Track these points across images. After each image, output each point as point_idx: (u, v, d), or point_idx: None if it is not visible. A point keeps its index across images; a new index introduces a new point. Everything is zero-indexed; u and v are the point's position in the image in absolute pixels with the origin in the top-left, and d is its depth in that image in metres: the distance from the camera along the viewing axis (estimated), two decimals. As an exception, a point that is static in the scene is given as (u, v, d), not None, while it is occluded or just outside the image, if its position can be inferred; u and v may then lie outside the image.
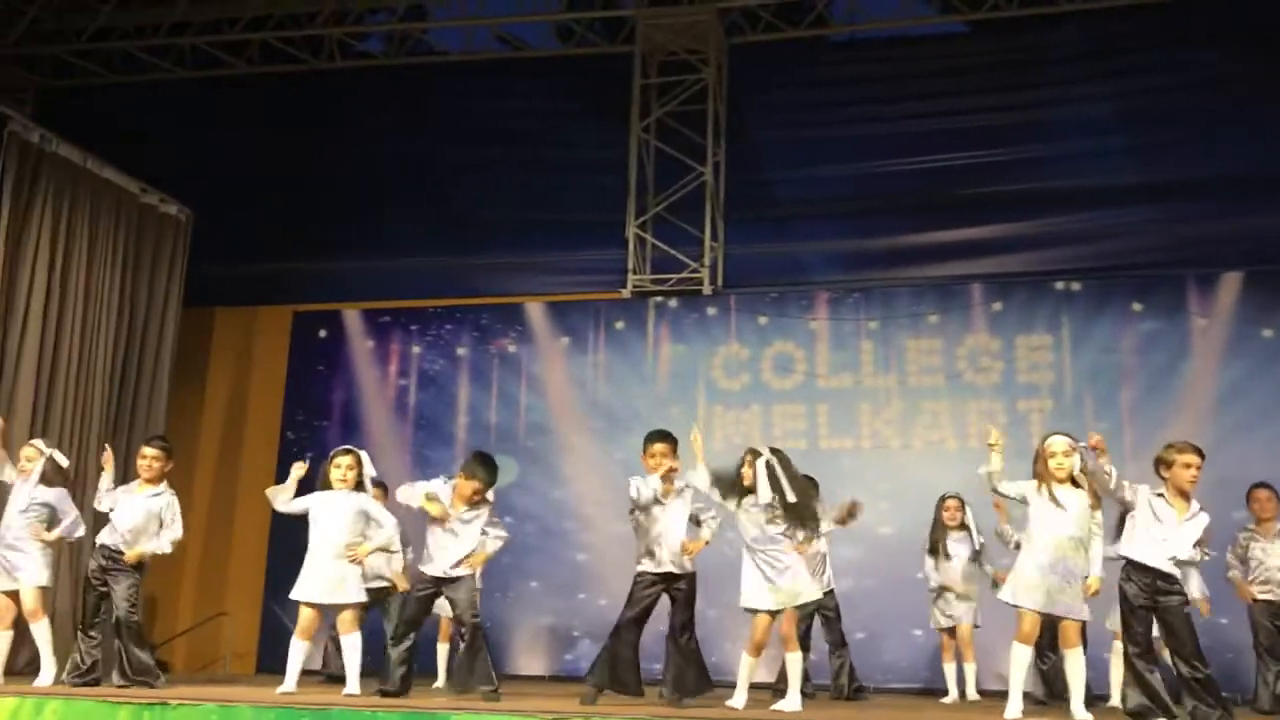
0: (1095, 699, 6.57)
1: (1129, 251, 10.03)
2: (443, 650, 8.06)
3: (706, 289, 10.60)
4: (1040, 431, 8.92)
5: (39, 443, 7.03)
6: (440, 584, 6.35)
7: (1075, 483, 5.56)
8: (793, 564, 5.94)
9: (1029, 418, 9.78)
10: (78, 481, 8.99)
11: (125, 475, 7.77)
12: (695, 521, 6.40)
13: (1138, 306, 9.82)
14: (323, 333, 11.32)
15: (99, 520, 7.13)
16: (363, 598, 6.41)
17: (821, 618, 7.78)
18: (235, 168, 11.42)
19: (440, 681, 7.98)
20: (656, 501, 6.26)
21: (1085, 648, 5.68)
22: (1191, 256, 9.86)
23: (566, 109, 11.33)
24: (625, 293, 10.75)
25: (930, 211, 10.47)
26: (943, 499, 7.75)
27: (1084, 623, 5.62)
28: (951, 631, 7.66)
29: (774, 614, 5.92)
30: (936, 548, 7.67)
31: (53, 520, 6.85)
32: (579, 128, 11.23)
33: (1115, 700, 7.12)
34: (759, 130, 11.08)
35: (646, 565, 6.26)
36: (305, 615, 6.23)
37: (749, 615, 5.97)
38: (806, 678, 7.65)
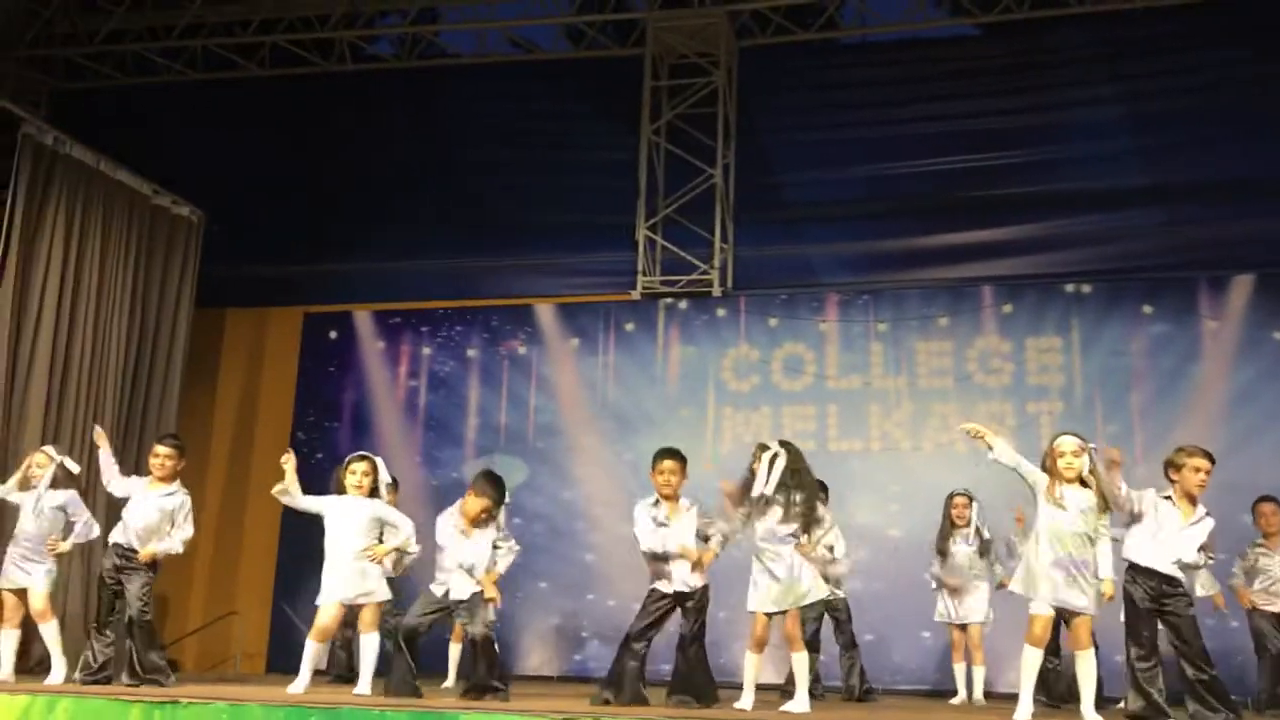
0: (1105, 701, 6.56)
1: (1139, 254, 10.01)
2: (455, 650, 8.08)
3: (716, 291, 10.61)
4: (1050, 434, 8.92)
5: (49, 449, 7.07)
6: (451, 603, 6.36)
7: (1083, 483, 5.55)
8: (797, 565, 5.94)
9: (1039, 420, 9.77)
10: (89, 481, 9.07)
11: (136, 475, 7.81)
12: (704, 538, 6.32)
13: (1148, 309, 9.80)
14: (333, 334, 11.36)
15: (111, 517, 7.17)
16: (388, 595, 6.42)
17: (832, 619, 7.79)
18: (247, 170, 11.47)
19: (450, 681, 8.00)
20: (661, 524, 6.22)
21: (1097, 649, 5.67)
22: (1202, 259, 9.84)
23: (577, 111, 11.36)
24: (635, 294, 10.76)
25: (940, 213, 10.47)
26: (951, 496, 7.77)
27: (1092, 621, 5.61)
28: (961, 629, 7.66)
29: (772, 614, 5.93)
30: (945, 545, 7.68)
31: (65, 524, 6.88)
32: (589, 130, 11.26)
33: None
34: (769, 132, 11.08)
35: (659, 585, 6.25)
36: (326, 617, 6.23)
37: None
38: (817, 679, 7.65)
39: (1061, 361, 9.88)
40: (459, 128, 11.48)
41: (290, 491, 6.37)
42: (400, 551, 6.81)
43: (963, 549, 7.66)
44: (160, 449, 6.76)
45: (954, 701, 7.73)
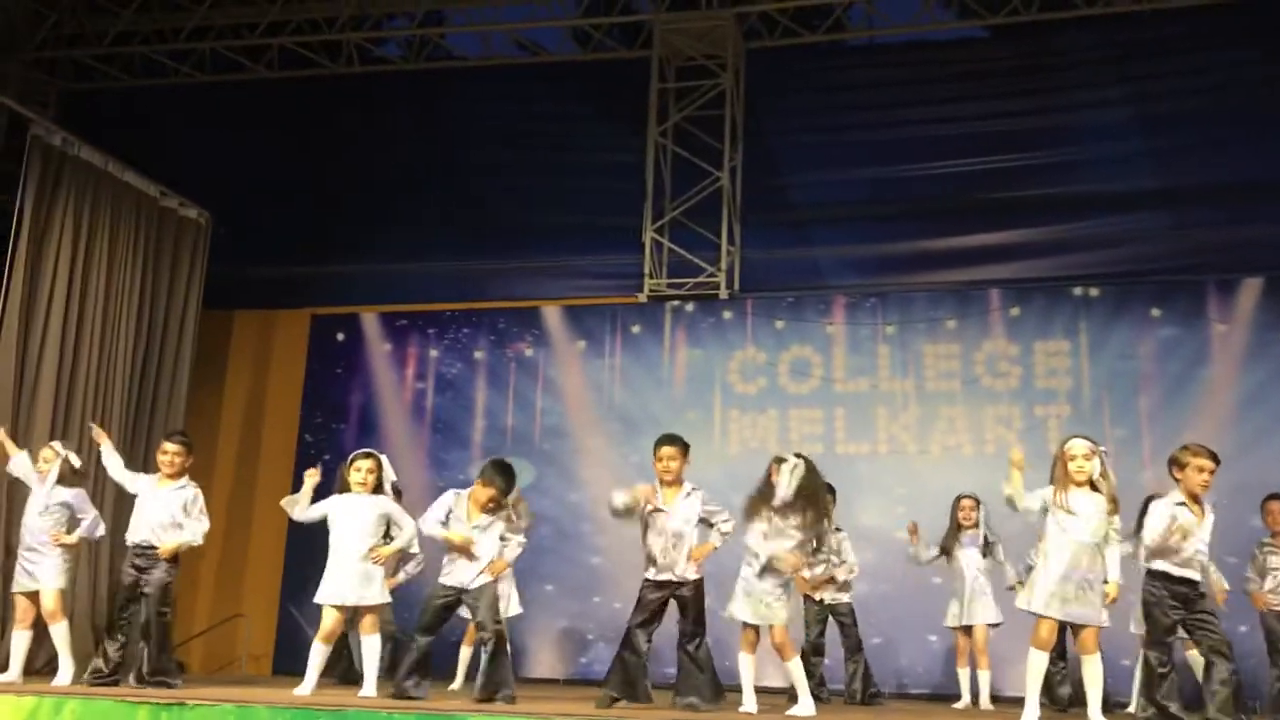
0: (1113, 705, 6.54)
1: (1148, 257, 9.99)
2: (465, 653, 8.08)
3: (723, 293, 10.60)
4: (1058, 437, 8.90)
5: (56, 444, 7.11)
6: (461, 594, 6.35)
7: (1093, 486, 5.52)
8: (787, 583, 5.93)
9: (1046, 423, 9.74)
10: (97, 481, 9.08)
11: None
12: (708, 524, 6.30)
13: (1156, 312, 9.77)
14: (340, 336, 11.36)
15: (118, 515, 7.18)
16: (387, 599, 6.42)
17: (837, 623, 7.78)
18: (254, 171, 11.49)
19: (457, 683, 7.99)
20: (657, 509, 6.19)
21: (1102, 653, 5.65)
22: (1211, 262, 9.81)
23: (584, 113, 11.36)
24: (642, 297, 10.76)
25: (948, 216, 10.45)
26: (958, 499, 7.76)
27: (1100, 628, 5.59)
28: (967, 632, 7.64)
29: (753, 626, 5.94)
30: (951, 548, 7.68)
31: (71, 520, 6.90)
32: (596, 132, 11.27)
33: (1134, 705, 7.08)
34: (776, 135, 11.08)
35: (649, 572, 6.23)
36: (330, 618, 6.24)
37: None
38: (822, 683, 7.65)
39: (1069, 365, 9.85)
40: (465, 130, 11.49)
41: (300, 503, 6.36)
42: (403, 553, 6.81)
43: (968, 551, 7.65)
44: (169, 446, 6.77)
45: (958, 706, 7.71)
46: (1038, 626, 5.51)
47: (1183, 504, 5.51)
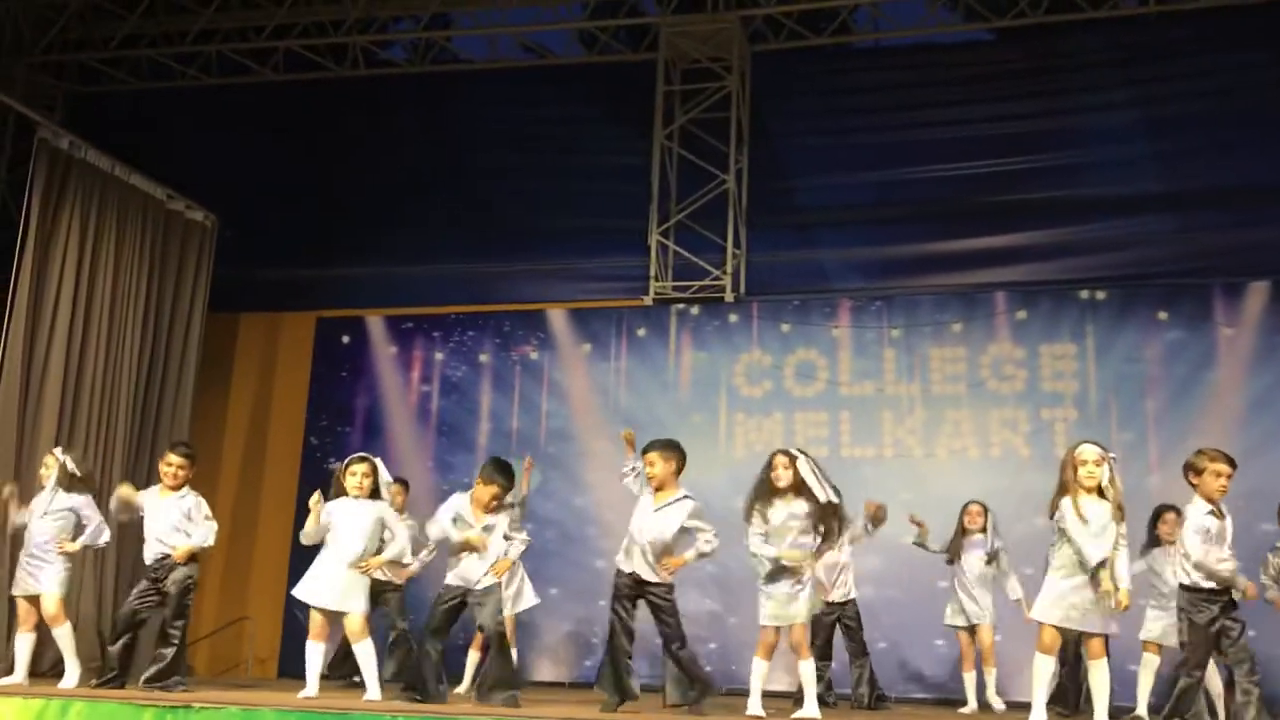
0: (1118, 710, 6.52)
1: (1154, 260, 9.97)
2: (473, 657, 8.08)
3: (729, 296, 10.59)
4: (1064, 441, 8.91)
5: (56, 451, 7.15)
6: (466, 594, 6.35)
7: (1100, 493, 5.50)
8: (810, 582, 5.92)
9: (1053, 427, 9.73)
10: (103, 484, 9.09)
11: (148, 480, 7.83)
12: (688, 531, 6.22)
13: (1163, 315, 9.74)
14: (346, 338, 11.36)
15: (124, 534, 7.17)
16: (365, 609, 6.37)
17: (842, 626, 7.76)
18: (260, 174, 11.50)
19: (464, 686, 7.99)
20: (650, 511, 6.19)
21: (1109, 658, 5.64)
22: (1218, 265, 9.79)
23: (589, 116, 11.36)
24: (647, 300, 10.75)
25: (954, 219, 10.44)
26: (966, 505, 7.75)
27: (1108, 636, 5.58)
28: (970, 634, 7.63)
29: (773, 629, 5.93)
30: (957, 553, 7.67)
31: (77, 527, 6.91)
32: (602, 135, 11.27)
33: (1141, 710, 7.06)
34: (782, 137, 11.07)
35: (621, 561, 6.23)
36: (315, 618, 6.26)
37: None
38: (829, 686, 7.64)
39: (1076, 368, 9.83)
40: (471, 133, 11.50)
41: (315, 534, 6.35)
42: (396, 563, 6.80)
43: (972, 556, 7.64)
44: (173, 458, 6.77)
45: (963, 711, 7.69)
46: (1042, 631, 5.49)
47: (1212, 512, 5.48)
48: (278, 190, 11.50)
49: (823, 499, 5.87)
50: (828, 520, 5.97)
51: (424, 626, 6.47)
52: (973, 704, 7.69)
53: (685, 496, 6.21)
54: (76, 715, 5.43)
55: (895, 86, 10.88)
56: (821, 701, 6.23)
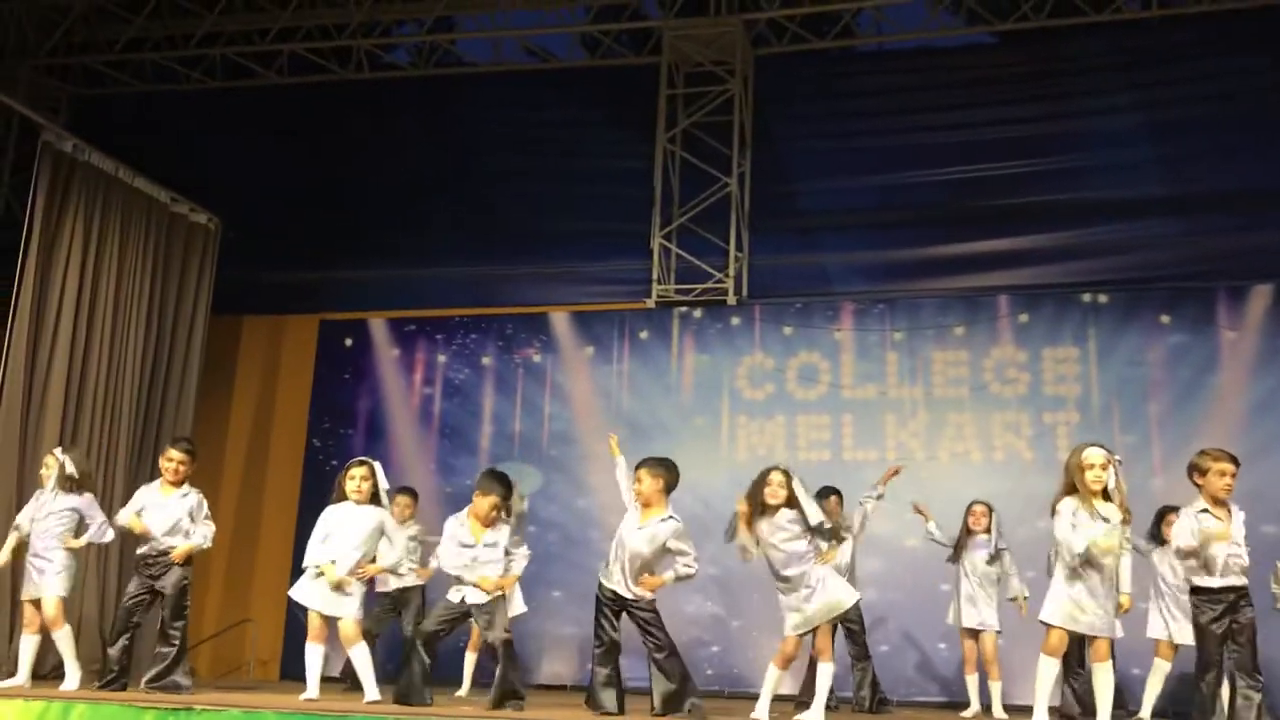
0: (1125, 714, 6.51)
1: (1157, 263, 9.97)
2: (470, 659, 8.08)
3: (731, 299, 10.59)
4: (1067, 445, 8.90)
5: (56, 451, 7.15)
6: (469, 609, 6.34)
7: (1105, 496, 5.49)
8: (821, 580, 5.91)
9: (1055, 430, 9.72)
10: (106, 486, 9.11)
11: (150, 482, 7.83)
12: (670, 552, 6.20)
13: (1166, 319, 9.74)
14: (349, 341, 11.37)
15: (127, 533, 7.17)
16: (359, 613, 6.36)
17: (845, 629, 7.74)
18: (264, 177, 11.53)
19: (464, 689, 7.99)
20: (634, 528, 6.18)
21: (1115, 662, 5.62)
22: (1221, 269, 9.79)
23: (592, 119, 11.38)
24: (650, 303, 10.76)
25: (956, 222, 10.44)
26: (970, 506, 7.74)
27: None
28: (974, 636, 7.61)
29: (804, 633, 5.92)
30: (959, 552, 7.67)
31: (80, 526, 6.93)
32: (605, 138, 11.28)
33: (1145, 713, 7.06)
34: (784, 141, 11.07)
35: (603, 574, 6.23)
36: (313, 619, 6.26)
37: (778, 628, 5.97)
38: (830, 690, 7.62)
39: (1078, 371, 9.83)
40: (474, 136, 11.52)
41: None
42: (391, 573, 6.80)
43: (976, 556, 7.63)
44: (173, 453, 6.77)
45: (965, 714, 7.67)
46: (1049, 634, 5.49)
47: (1206, 511, 5.48)
48: (281, 193, 11.52)
49: (813, 522, 5.86)
50: (815, 539, 5.96)
51: (418, 632, 6.46)
52: (975, 706, 7.67)
53: (670, 517, 6.17)
54: (78, 717, 5.43)
55: (898, 90, 10.89)
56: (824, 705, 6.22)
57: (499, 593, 6.34)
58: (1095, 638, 5.48)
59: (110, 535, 7.13)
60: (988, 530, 7.63)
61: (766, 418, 10.29)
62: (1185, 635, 6.80)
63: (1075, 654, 6.38)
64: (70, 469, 6.93)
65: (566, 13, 11.57)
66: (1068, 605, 5.42)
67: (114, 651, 6.57)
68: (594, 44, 11.64)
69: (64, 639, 6.75)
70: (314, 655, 6.23)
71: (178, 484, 6.73)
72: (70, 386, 9.10)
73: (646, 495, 6.17)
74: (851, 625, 7.73)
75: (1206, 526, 5.41)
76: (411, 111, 11.79)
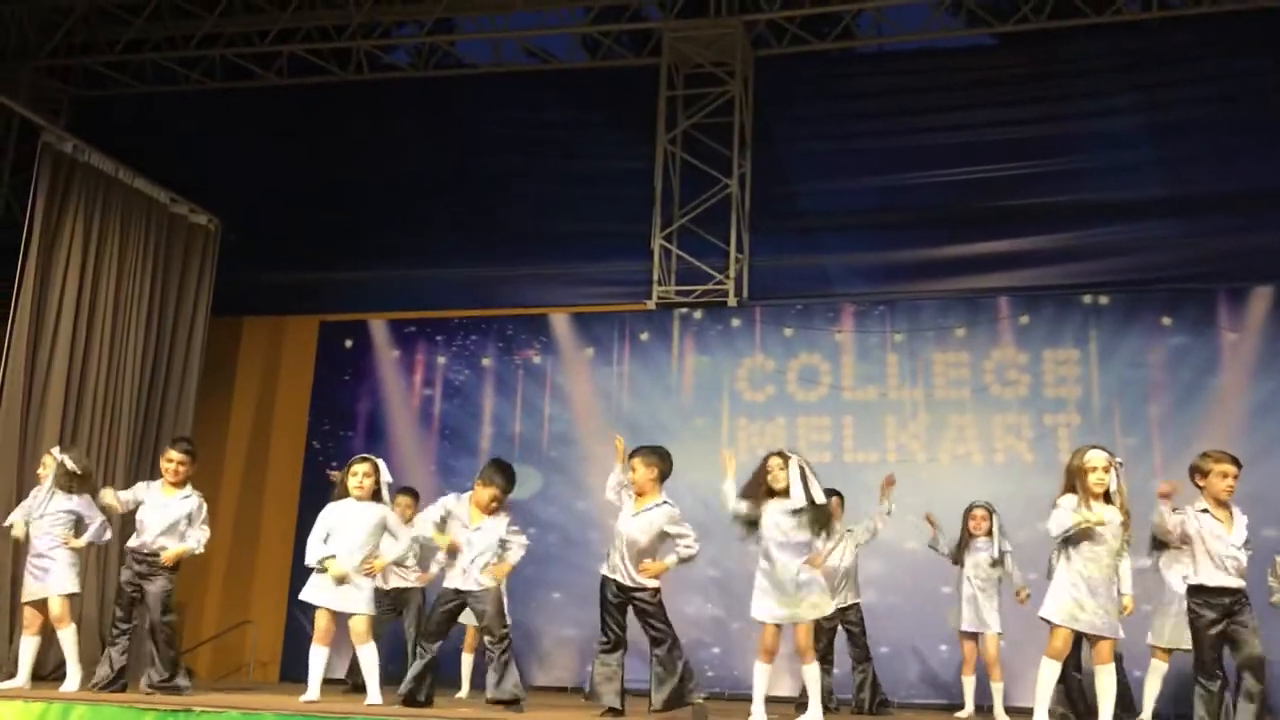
0: (1127, 717, 6.51)
1: (1158, 265, 9.97)
2: (467, 660, 8.07)
3: (731, 301, 10.59)
4: (1068, 446, 8.90)
5: (54, 450, 7.14)
6: (465, 597, 6.34)
7: (1107, 498, 5.49)
8: (808, 579, 5.91)
9: (1056, 432, 9.71)
10: (104, 487, 9.09)
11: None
12: (669, 536, 6.21)
13: (1167, 321, 9.73)
14: (349, 342, 11.37)
15: (127, 526, 7.18)
16: (372, 610, 6.38)
17: (845, 631, 7.75)
18: (264, 178, 11.53)
19: (463, 691, 7.98)
20: (629, 516, 6.19)
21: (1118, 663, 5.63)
22: (1222, 270, 9.78)
23: (593, 121, 11.38)
24: (650, 304, 10.75)
25: (957, 224, 10.44)
26: (970, 508, 7.72)
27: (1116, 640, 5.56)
28: (974, 639, 7.60)
29: (781, 625, 5.89)
30: (961, 556, 7.66)
31: (79, 527, 6.92)
32: (605, 139, 11.28)
33: (1145, 715, 7.05)
34: (785, 142, 11.07)
35: (605, 567, 6.24)
36: (320, 620, 6.24)
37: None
38: (830, 692, 7.62)
39: (1079, 373, 9.82)
40: (474, 137, 11.52)
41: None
42: (398, 565, 6.80)
43: (978, 559, 7.62)
44: (173, 453, 6.76)
45: (960, 715, 7.66)
46: (1052, 636, 5.49)
47: (1206, 510, 5.48)
48: (281, 194, 11.52)
49: (802, 501, 5.86)
50: (813, 521, 5.96)
51: (421, 628, 6.45)
52: (970, 708, 7.66)
53: (665, 502, 6.20)
54: (78, 718, 5.42)
55: (898, 91, 10.89)
56: (823, 706, 6.21)
57: (492, 582, 6.32)
58: (1097, 639, 5.47)
59: (109, 535, 7.14)
60: (989, 533, 7.62)
61: (767, 419, 10.29)
62: (1183, 639, 6.81)
63: (1073, 657, 6.39)
64: (70, 467, 6.93)
65: (566, 14, 11.58)
66: (1069, 604, 5.42)
67: (113, 653, 6.56)
68: (594, 45, 11.64)
69: (69, 639, 6.75)
70: (318, 657, 6.23)
71: (179, 484, 6.72)
72: (70, 387, 9.10)
73: (640, 484, 6.20)
74: (852, 627, 7.73)
75: (1199, 526, 5.42)
76: (411, 112, 11.79)
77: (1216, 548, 5.40)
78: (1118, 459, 5.54)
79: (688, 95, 11.05)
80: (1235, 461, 5.53)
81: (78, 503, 6.92)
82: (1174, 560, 6.96)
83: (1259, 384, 9.43)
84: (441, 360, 11.10)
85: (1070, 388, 9.83)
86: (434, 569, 7.96)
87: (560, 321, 10.92)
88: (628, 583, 6.11)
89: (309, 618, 6.42)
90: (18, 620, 7.23)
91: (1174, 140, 10.06)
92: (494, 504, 6.37)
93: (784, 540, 5.90)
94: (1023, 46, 10.70)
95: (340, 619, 6.29)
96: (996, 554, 7.54)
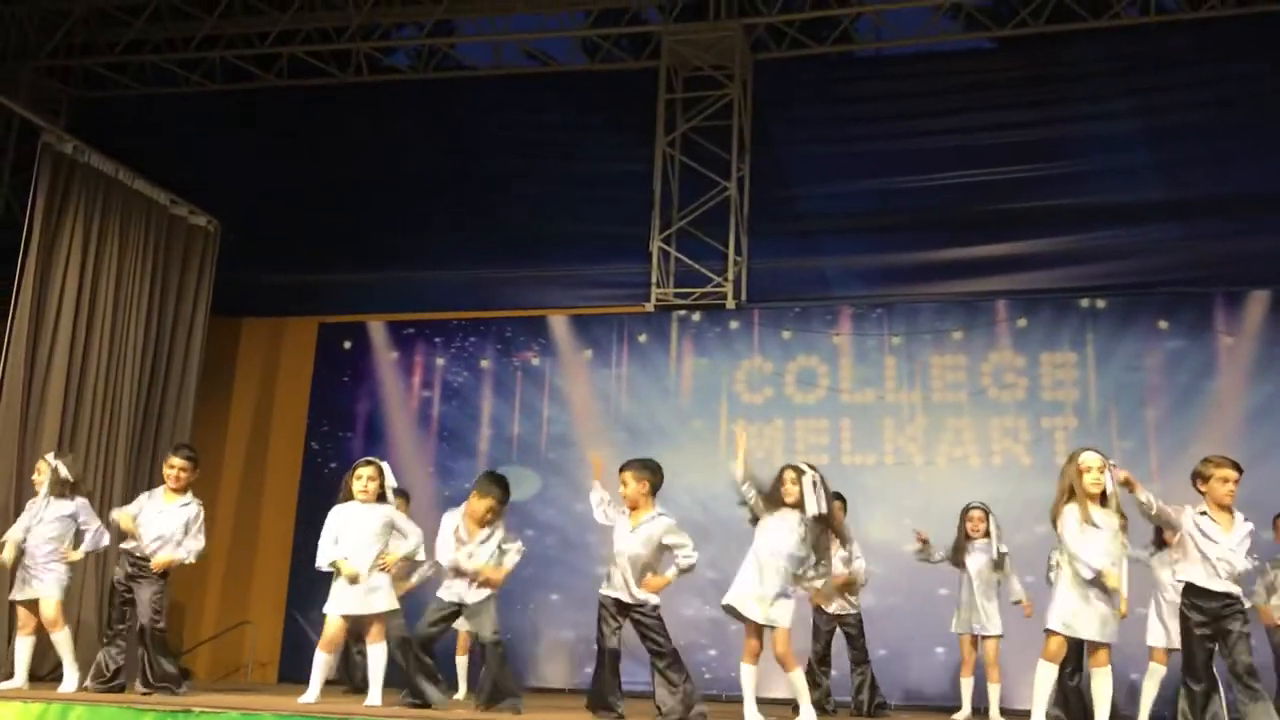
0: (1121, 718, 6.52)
1: (1155, 269, 9.98)
2: (461, 662, 8.08)
3: (730, 303, 10.60)
4: (1065, 449, 8.92)
5: (48, 456, 7.15)
6: (460, 606, 6.34)
7: (1104, 500, 5.51)
8: (788, 591, 5.92)
9: (1053, 435, 9.73)
10: (104, 489, 9.11)
11: (149, 484, 7.85)
12: (670, 550, 6.21)
13: (1164, 324, 9.75)
14: (348, 344, 11.38)
15: (125, 537, 7.17)
16: (395, 605, 6.40)
17: (844, 633, 7.76)
18: (263, 179, 11.53)
19: (460, 693, 7.99)
20: (627, 532, 6.18)
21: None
22: (1218, 274, 9.80)
23: (592, 123, 11.38)
24: (649, 306, 10.77)
25: (955, 227, 10.45)
26: (967, 509, 7.74)
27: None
28: (973, 643, 7.62)
29: (759, 626, 5.90)
30: (960, 558, 7.67)
31: (76, 533, 6.92)
32: (604, 142, 11.29)
33: (1142, 718, 7.06)
34: (783, 145, 11.08)
35: (604, 586, 6.23)
36: (333, 627, 6.22)
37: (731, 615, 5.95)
38: (828, 694, 7.63)
39: (1076, 376, 9.84)
40: (474, 139, 11.53)
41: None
42: (409, 560, 6.80)
43: (976, 561, 7.63)
44: (175, 460, 6.78)
45: (956, 717, 7.68)
46: (1048, 640, 5.51)
47: (1205, 513, 5.51)
48: (281, 195, 11.53)
49: (810, 512, 5.88)
50: (817, 534, 5.97)
51: (414, 635, 6.46)
52: (966, 710, 7.68)
53: (661, 514, 6.20)
54: (77, 719, 5.43)
55: (897, 95, 10.91)
56: (820, 709, 6.23)
57: (489, 591, 6.33)
58: (1094, 644, 5.49)
59: (106, 541, 7.13)
60: (986, 534, 7.63)
61: (765, 421, 10.30)
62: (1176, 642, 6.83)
63: (1072, 659, 6.41)
64: (63, 474, 6.93)
65: (566, 17, 11.59)
66: (1068, 613, 5.43)
67: (110, 653, 6.58)
68: (594, 48, 11.66)
69: (63, 641, 6.76)
70: (320, 663, 6.23)
71: (180, 491, 6.74)
72: (69, 388, 9.10)
73: (632, 498, 6.20)
74: (850, 630, 7.74)
75: (1200, 530, 5.45)
76: (411, 114, 11.79)
77: (1211, 550, 5.43)
78: (1112, 462, 5.57)
79: (687, 98, 11.07)
80: (1236, 466, 5.57)
81: (74, 507, 6.92)
82: (1169, 559, 6.99)
83: (1255, 388, 9.45)
84: (440, 362, 11.11)
85: (1067, 391, 9.84)
86: (415, 579, 7.97)
87: (559, 323, 10.93)
88: (629, 600, 6.11)
89: (307, 619, 6.43)
90: (14, 622, 7.22)
91: (1171, 144, 10.07)
92: (489, 515, 6.38)
93: (778, 549, 5.91)
94: (1020, 50, 10.72)
95: (357, 621, 6.28)
96: (996, 555, 7.56)
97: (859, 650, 7.74)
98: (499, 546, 6.45)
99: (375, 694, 6.21)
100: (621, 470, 6.29)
